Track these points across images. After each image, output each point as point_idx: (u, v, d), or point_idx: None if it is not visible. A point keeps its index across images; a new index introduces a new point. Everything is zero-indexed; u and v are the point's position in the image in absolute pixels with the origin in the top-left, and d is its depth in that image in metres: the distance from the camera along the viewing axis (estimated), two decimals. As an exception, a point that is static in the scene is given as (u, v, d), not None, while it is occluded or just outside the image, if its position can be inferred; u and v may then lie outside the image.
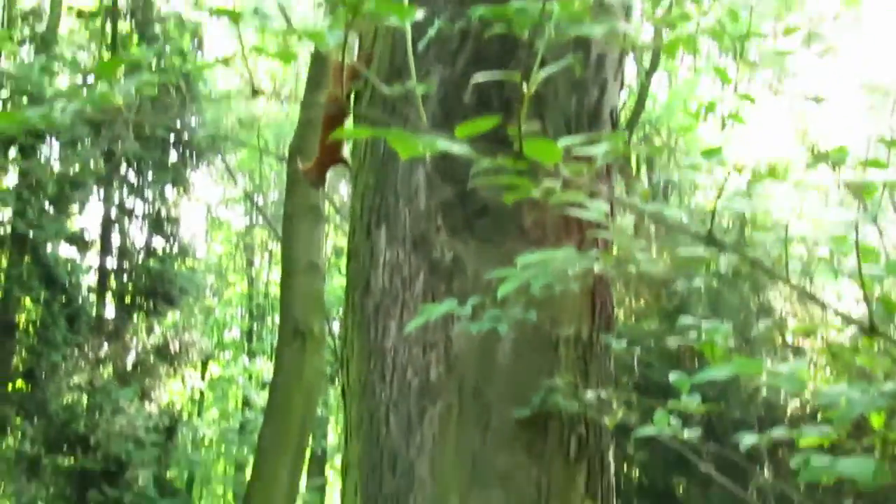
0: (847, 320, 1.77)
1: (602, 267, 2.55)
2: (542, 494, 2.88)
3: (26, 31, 20.04)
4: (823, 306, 1.74)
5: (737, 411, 10.80)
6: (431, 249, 3.04)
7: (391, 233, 3.15)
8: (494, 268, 2.46)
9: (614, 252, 2.80)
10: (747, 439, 2.42)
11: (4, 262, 19.63)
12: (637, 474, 13.39)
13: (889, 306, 1.99)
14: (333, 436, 27.50)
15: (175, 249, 21.36)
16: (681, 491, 12.76)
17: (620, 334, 4.59)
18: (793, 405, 11.83)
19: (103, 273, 20.84)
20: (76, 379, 19.12)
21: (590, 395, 2.88)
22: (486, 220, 3.03)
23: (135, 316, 20.58)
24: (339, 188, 21.32)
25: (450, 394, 2.94)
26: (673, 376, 2.47)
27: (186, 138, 21.01)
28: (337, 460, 25.53)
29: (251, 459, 16.52)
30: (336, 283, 21.82)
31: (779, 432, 2.38)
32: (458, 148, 1.46)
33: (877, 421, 2.30)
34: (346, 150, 4.09)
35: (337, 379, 23.03)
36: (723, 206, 1.71)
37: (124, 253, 21.07)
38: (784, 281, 1.60)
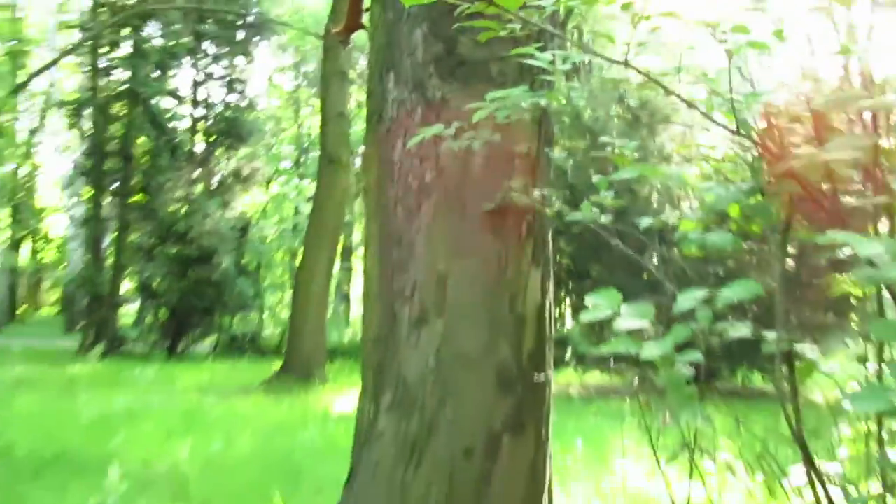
0: (716, 123, 1.75)
1: (546, 101, 2.52)
2: (502, 261, 2.91)
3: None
4: (699, 110, 1.72)
5: (636, 218, 10.81)
6: (426, 90, 2.99)
7: (397, 78, 3.08)
8: (471, 102, 2.42)
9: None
10: (645, 221, 2.44)
11: (124, 112, 19.49)
12: (567, 262, 13.56)
13: (745, 125, 1.97)
14: (358, 234, 27.76)
15: (244, 103, 21.11)
16: (594, 273, 12.92)
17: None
18: (676, 214, 11.86)
19: (194, 119, 20.66)
20: (177, 193, 19.20)
21: (536, 193, 2.88)
22: (466, 69, 2.96)
23: (217, 150, 20.47)
24: (359, 59, 20.83)
25: (439, 192, 2.93)
26: (595, 178, 2.47)
27: (250, 21, 20.48)
28: (361, 251, 25.85)
29: (300, 251, 16.67)
30: (358, 127, 21.58)
31: (667, 216, 2.40)
32: (446, -6, 1.41)
33: (734, 210, 2.31)
34: (366, 18, 3.98)
35: (360, 195, 23.07)
36: (637, 40, 1.67)
37: (208, 105, 20.84)
38: (672, 93, 1.58)
